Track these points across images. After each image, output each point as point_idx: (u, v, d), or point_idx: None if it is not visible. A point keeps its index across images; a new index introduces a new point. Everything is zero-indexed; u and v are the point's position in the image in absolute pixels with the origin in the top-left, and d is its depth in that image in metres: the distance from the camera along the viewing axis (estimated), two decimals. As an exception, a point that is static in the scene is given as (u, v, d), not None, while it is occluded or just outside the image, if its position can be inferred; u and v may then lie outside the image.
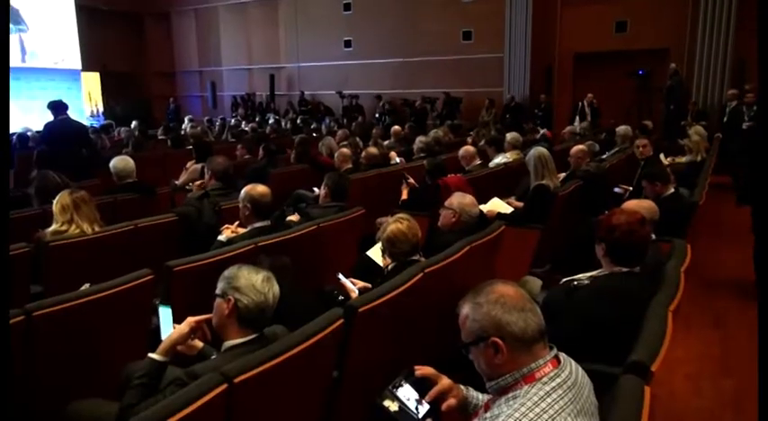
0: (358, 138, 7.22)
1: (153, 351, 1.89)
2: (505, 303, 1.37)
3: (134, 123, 11.32)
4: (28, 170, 5.98)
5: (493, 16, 12.95)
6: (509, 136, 6.60)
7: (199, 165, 5.53)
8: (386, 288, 2.14)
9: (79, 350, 2.19)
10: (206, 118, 13.62)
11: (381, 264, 3.09)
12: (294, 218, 3.87)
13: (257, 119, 13.35)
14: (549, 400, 1.27)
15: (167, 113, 16.26)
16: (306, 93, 15.96)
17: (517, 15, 12.54)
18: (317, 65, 16.04)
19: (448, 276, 2.50)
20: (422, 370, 1.61)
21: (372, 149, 5.61)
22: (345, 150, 5.43)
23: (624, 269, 2.25)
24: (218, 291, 1.80)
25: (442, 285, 2.48)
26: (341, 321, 1.90)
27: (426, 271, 2.35)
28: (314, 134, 10.53)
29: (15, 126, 10.48)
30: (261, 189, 3.16)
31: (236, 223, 3.19)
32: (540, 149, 4.43)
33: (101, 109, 17.21)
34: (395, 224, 2.59)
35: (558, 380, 1.31)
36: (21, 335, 1.95)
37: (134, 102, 17.58)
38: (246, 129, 10.27)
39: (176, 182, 5.69)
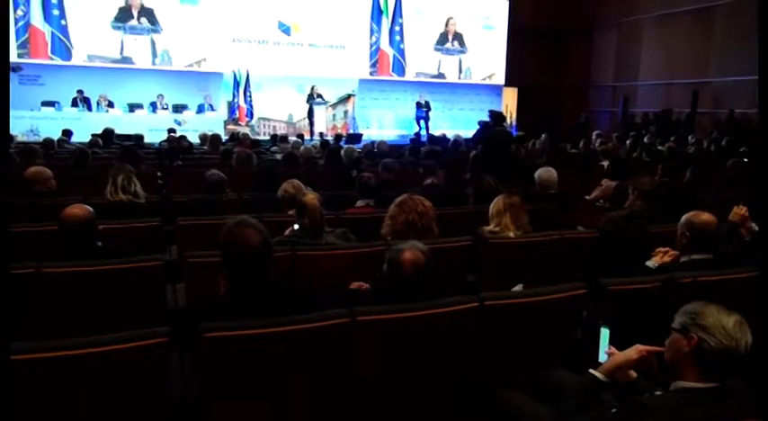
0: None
1: (577, 363, 1.90)
2: None
3: (543, 136, 11.85)
4: (460, 170, 6.92)
5: None
6: None
7: (613, 183, 5.39)
8: None
9: (513, 344, 2.35)
10: (615, 134, 13.25)
11: None
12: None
13: (673, 138, 12.27)
14: None
15: (577, 127, 16.50)
16: (736, 111, 13.85)
17: None
18: (756, 79, 13.69)
19: None
20: None
21: None
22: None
23: None
24: (676, 325, 1.65)
25: None
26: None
27: None
28: (745, 159, 9.05)
29: (450, 133, 12.34)
30: (705, 217, 2.83)
31: (670, 251, 2.92)
32: None
33: (514, 121, 18.69)
34: None
35: None
36: (474, 318, 2.20)
37: (545, 114, 18.43)
38: (662, 148, 9.54)
39: (587, 197, 5.67)
